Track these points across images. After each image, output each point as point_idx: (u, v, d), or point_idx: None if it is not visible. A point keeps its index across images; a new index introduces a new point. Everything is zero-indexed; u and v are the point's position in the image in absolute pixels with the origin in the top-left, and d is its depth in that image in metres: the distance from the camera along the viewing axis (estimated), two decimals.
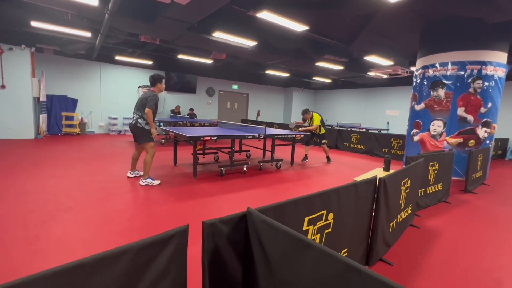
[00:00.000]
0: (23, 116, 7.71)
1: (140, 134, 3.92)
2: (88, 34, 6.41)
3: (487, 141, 5.06)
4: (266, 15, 4.62)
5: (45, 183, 3.74)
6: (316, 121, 6.34)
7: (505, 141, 8.96)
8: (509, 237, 2.82)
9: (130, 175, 4.28)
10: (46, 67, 8.73)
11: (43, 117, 8.33)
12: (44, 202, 3.08)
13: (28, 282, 0.65)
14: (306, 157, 6.72)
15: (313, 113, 6.48)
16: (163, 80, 4.06)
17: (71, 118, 9.15)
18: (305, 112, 6.44)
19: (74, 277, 0.71)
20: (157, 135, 4.07)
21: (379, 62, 7.87)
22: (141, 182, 3.91)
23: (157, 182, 3.96)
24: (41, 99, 8.15)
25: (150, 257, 0.86)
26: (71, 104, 9.31)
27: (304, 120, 6.67)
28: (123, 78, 10.36)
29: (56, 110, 8.97)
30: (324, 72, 10.33)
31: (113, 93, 10.21)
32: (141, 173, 4.27)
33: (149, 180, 3.91)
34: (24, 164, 4.73)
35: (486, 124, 4.94)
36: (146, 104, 3.79)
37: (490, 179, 5.55)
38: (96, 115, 9.92)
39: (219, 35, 5.97)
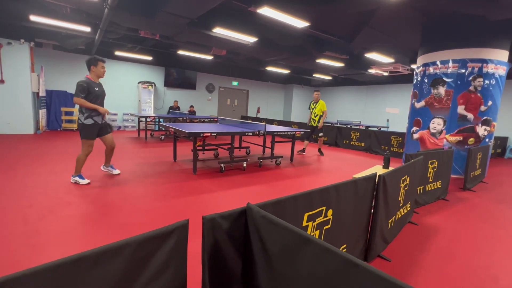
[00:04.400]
0: (22, 111, 7.68)
1: (79, 130, 3.53)
2: (87, 29, 6.37)
3: (487, 139, 5.06)
4: (266, 11, 4.59)
5: (45, 178, 3.74)
6: (324, 107, 6.55)
7: (504, 139, 8.97)
8: (506, 235, 2.84)
9: (103, 169, 4.16)
10: (45, 62, 8.68)
11: (42, 112, 8.30)
12: (44, 197, 3.08)
13: (29, 275, 0.65)
14: (303, 150, 6.98)
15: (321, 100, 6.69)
16: (99, 63, 3.46)
17: (71, 113, 9.12)
18: (319, 91, 6.65)
19: (75, 270, 0.72)
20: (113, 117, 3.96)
21: (380, 60, 7.84)
22: (71, 179, 3.62)
23: (85, 181, 3.58)
24: (40, 94, 8.12)
25: (150, 251, 0.87)
26: (71, 99, 9.26)
27: (310, 104, 6.76)
28: (123, 73, 10.31)
29: (56, 105, 8.93)
30: (325, 69, 10.30)
31: (112, 88, 10.15)
32: (115, 172, 4.00)
33: (77, 178, 3.57)
34: (24, 159, 4.73)
35: (486, 122, 4.94)
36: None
37: (489, 177, 5.57)
38: None
39: (219, 31, 5.93)
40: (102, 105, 3.64)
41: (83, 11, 5.63)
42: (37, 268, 0.67)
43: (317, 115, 6.55)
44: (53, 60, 8.90)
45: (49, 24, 6.20)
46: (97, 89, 3.48)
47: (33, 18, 5.76)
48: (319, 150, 6.74)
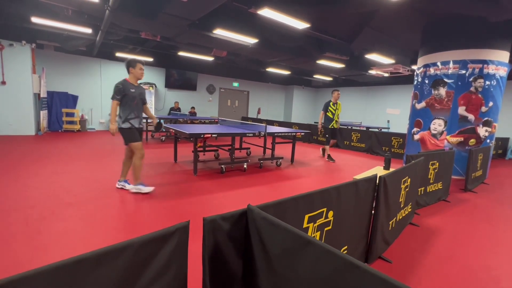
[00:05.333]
0: (24, 112, 7.71)
1: (121, 134, 3.35)
2: (88, 31, 6.39)
3: (488, 140, 5.05)
4: (267, 12, 4.60)
5: (46, 179, 3.75)
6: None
7: (505, 140, 8.95)
8: (507, 236, 2.83)
9: (117, 186, 3.57)
10: (47, 64, 8.71)
11: (43, 113, 8.33)
12: (45, 198, 3.09)
13: (30, 277, 0.65)
14: (330, 157, 6.40)
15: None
16: (138, 64, 3.37)
17: (72, 114, 9.15)
18: (338, 90, 6.15)
19: (75, 272, 0.72)
20: (141, 136, 3.51)
21: (380, 61, 7.84)
22: (130, 188, 3.41)
23: (148, 189, 3.38)
24: (41, 96, 8.15)
25: (151, 253, 0.87)
26: (72, 100, 9.30)
27: (327, 104, 6.14)
28: (124, 75, 10.20)
29: (57, 106, 8.97)
30: (325, 70, 10.30)
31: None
32: (127, 186, 3.50)
33: (140, 186, 3.35)
34: (25, 160, 4.74)
35: (487, 123, 4.94)
36: None
37: (490, 178, 5.56)
38: (96, 112, 9.92)
39: (220, 32, 5.95)
40: (140, 108, 3.47)
41: (84, 12, 5.65)
42: (38, 269, 0.67)
43: (338, 115, 6.15)
44: (54, 61, 8.93)
45: (50, 26, 6.23)
46: (133, 90, 3.36)
47: (34, 19, 5.78)
48: (323, 152, 6.56)
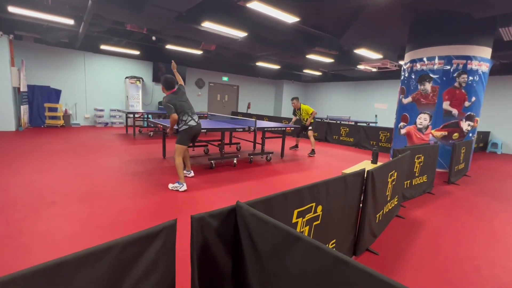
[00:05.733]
0: (3, 107, 7.35)
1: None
2: (70, 22, 6.11)
3: (470, 134, 5.22)
4: (256, 5, 4.53)
5: (28, 177, 3.61)
6: (310, 110, 6.62)
7: (486, 134, 9.29)
8: (488, 226, 2.95)
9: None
10: (26, 56, 8.32)
11: (24, 108, 7.99)
12: (27, 196, 2.98)
13: (6, 282, 0.62)
14: (296, 146, 7.20)
15: (302, 104, 6.61)
16: (163, 86, 3.58)
17: (55, 109, 8.82)
18: (296, 99, 6.71)
19: (56, 275, 0.69)
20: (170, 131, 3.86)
21: (369, 56, 7.92)
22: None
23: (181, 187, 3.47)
24: (21, 90, 7.80)
25: (136, 253, 0.85)
26: (54, 95, 8.96)
27: (294, 110, 6.87)
28: (109, 68, 10.02)
29: (38, 101, 8.61)
30: (315, 65, 10.33)
31: (98, 84, 9.89)
32: (190, 174, 4.09)
33: (176, 184, 3.49)
34: (5, 158, 4.55)
35: (469, 118, 5.09)
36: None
37: (472, 171, 5.77)
38: (81, 107, 9.61)
39: (208, 25, 5.83)
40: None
41: (66, 2, 5.40)
42: (17, 273, 0.64)
43: (306, 119, 6.63)
44: (35, 53, 8.54)
45: (29, 16, 5.92)
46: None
47: (11, 9, 5.47)
48: (312, 150, 6.65)
